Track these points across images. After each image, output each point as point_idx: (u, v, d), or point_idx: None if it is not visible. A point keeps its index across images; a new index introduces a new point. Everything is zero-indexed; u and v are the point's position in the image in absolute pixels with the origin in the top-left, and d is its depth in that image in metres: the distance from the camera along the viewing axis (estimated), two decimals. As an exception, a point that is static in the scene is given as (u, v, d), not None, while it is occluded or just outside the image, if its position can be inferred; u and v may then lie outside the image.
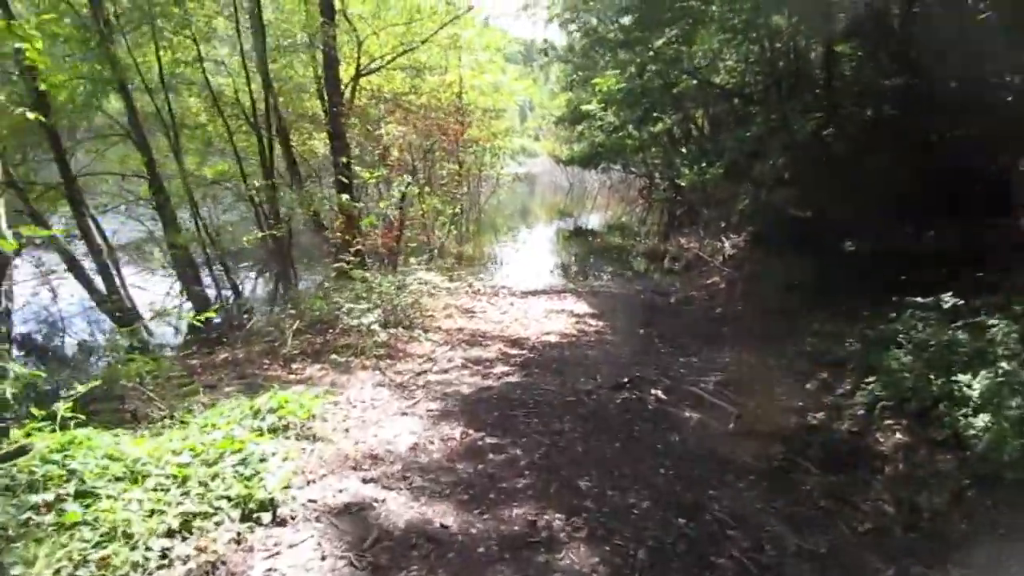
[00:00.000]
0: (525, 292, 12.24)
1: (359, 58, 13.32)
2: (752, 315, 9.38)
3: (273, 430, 4.53)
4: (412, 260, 12.12)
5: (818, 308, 8.04)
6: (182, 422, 4.65)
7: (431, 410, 5.48)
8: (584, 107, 17.90)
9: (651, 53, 11.31)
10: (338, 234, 10.00)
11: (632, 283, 13.70)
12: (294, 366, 6.64)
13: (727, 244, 14.44)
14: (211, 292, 12.04)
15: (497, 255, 19.40)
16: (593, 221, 27.15)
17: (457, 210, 17.27)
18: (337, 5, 12.82)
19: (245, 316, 10.04)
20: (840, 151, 9.66)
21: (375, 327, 7.61)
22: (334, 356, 6.73)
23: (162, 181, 11.06)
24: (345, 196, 9.89)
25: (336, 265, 9.05)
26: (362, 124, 16.08)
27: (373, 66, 13.97)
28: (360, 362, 6.76)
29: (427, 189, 16.18)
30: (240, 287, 12.72)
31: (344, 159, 10.85)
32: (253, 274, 14.86)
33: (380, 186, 12.99)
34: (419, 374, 6.54)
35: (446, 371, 6.69)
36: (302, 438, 4.58)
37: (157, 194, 10.92)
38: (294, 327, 7.41)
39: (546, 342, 8.11)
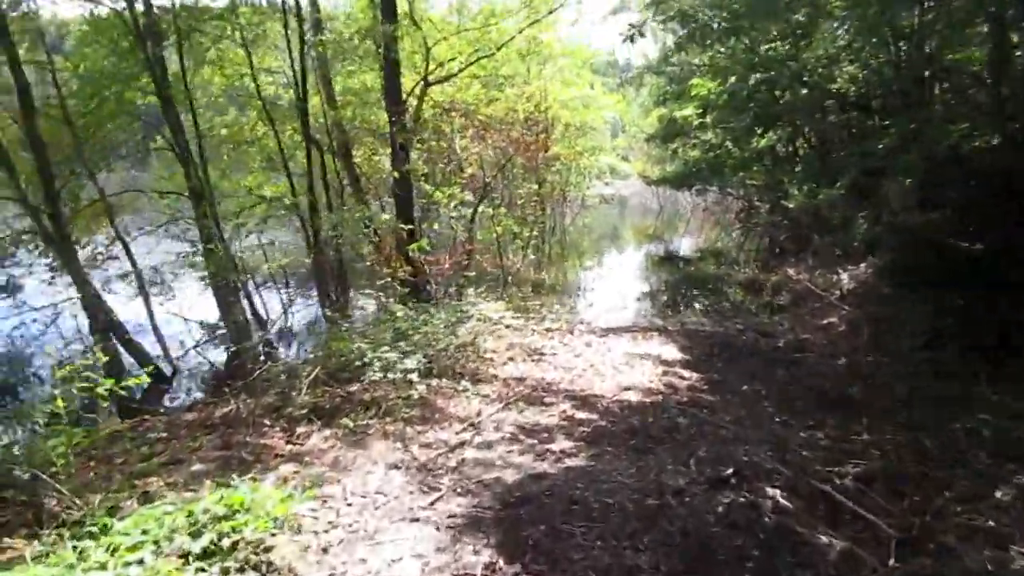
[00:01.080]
0: (606, 329, 10.59)
1: (427, 65, 12.11)
2: (890, 371, 7.42)
3: (208, 554, 3.11)
4: (471, 290, 10.64)
5: (991, 369, 6.09)
6: (89, 534, 3.29)
7: (454, 514, 3.94)
8: (679, 113, 15.94)
9: (764, 49, 9.55)
10: (383, 259, 8.66)
11: (730, 320, 11.79)
12: (299, 430, 5.25)
13: (845, 276, 12.37)
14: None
15: (579, 283, 17.73)
16: (685, 246, 25.14)
17: (535, 233, 15.83)
18: (404, 7, 11.69)
19: (264, 354, 8.86)
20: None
21: (413, 377, 6.19)
22: (346, 420, 5.31)
23: (206, 199, 10.11)
24: (387, 215, 8.59)
25: (374, 293, 7.73)
26: (435, 138, 14.93)
27: (443, 74, 12.73)
28: (381, 427, 5.31)
29: (502, 210, 14.85)
30: (287, 314, 11.63)
31: (397, 172, 9.60)
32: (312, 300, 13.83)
33: (453, 206, 11.71)
34: (453, 448, 5.02)
35: (490, 445, 5.13)
36: (250, 569, 3.14)
37: (201, 214, 9.98)
38: (311, 376, 6.05)
39: (625, 402, 6.44)
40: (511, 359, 8.02)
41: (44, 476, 3.76)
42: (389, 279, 8.09)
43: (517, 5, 13.68)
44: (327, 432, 5.21)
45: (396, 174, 9.92)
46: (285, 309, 11.01)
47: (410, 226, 9.87)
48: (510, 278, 14.75)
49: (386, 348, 6.60)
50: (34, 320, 10.52)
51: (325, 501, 4.00)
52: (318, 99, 12.72)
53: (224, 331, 9.99)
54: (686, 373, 7.71)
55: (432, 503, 4.10)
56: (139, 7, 9.81)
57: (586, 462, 4.82)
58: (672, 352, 8.82)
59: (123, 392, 4.18)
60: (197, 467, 4.46)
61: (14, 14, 10.03)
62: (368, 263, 9.70)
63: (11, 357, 10.19)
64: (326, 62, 12.35)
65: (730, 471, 4.63)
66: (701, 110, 15.12)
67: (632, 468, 4.70)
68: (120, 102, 10.39)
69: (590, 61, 20.40)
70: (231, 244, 10.95)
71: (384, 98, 11.03)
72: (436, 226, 11.31)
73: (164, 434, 5.32)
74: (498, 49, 13.00)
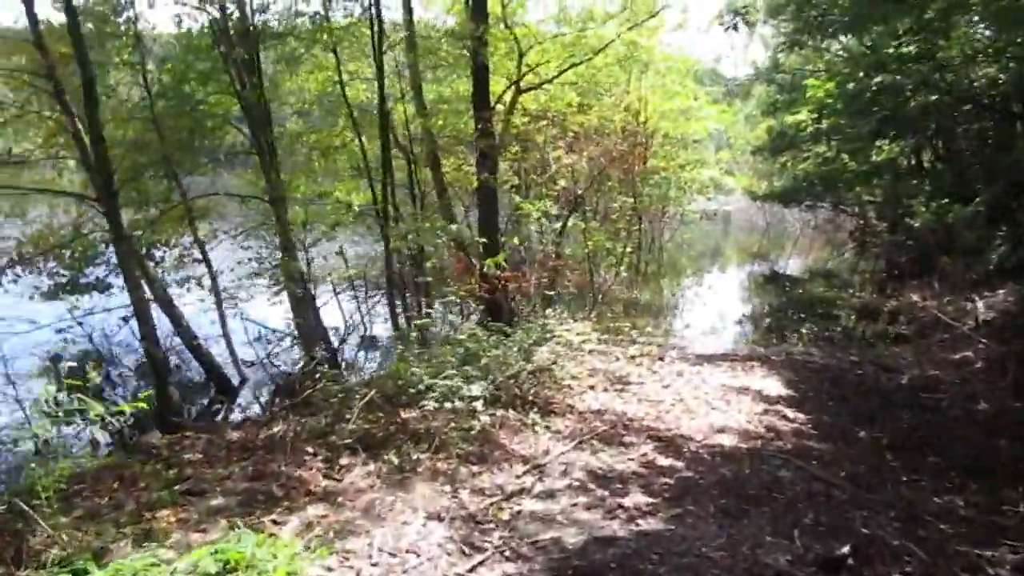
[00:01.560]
0: (700, 357, 9.66)
1: (520, 70, 11.52)
2: (1045, 423, 6.22)
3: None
4: (556, 309, 9.93)
5: None
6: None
7: (494, 591, 3.27)
8: (790, 119, 14.56)
9: (889, 47, 8.42)
10: (458, 274, 8.10)
11: (842, 350, 10.56)
12: (342, 462, 4.69)
13: (980, 304, 10.94)
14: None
15: (675, 303, 16.65)
16: (792, 266, 23.57)
17: (628, 249, 14.96)
18: (497, 11, 11.19)
19: (333, 367, 8.40)
20: None
21: (477, 406, 5.56)
22: (390, 456, 4.70)
23: (284, 205, 9.91)
24: (455, 226, 8.00)
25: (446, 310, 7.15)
26: (526, 148, 14.36)
27: (535, 81, 12.12)
28: (432, 464, 4.68)
29: (594, 224, 14.11)
30: (363, 325, 11.27)
31: (481, 181, 9.04)
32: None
33: (537, 218, 11.04)
34: (509, 496, 4.33)
35: (552, 495, 4.41)
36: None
37: (279, 220, 9.78)
38: (366, 399, 5.51)
39: (716, 447, 5.57)
40: (591, 388, 7.27)
41: (25, 507, 3.34)
42: (464, 295, 7.51)
43: (616, 8, 12.93)
44: (371, 467, 4.63)
45: (482, 178, 9.38)
46: (347, 325, 10.62)
47: (491, 239, 9.27)
48: (600, 296, 13.95)
49: (451, 372, 6.00)
50: (123, 319, 10.49)
51: (346, 558, 3.40)
52: (408, 107, 12.41)
53: (297, 340, 9.73)
54: (791, 413, 6.73)
55: (472, 568, 3.42)
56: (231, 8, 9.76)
57: (665, 525, 4.02)
58: (775, 386, 7.83)
59: (114, 418, 3.71)
60: (218, 501, 3.97)
61: (117, 20, 10.17)
62: (434, 278, 9.17)
63: (96, 357, 10.23)
64: (416, 69, 11.99)
65: (846, 549, 3.73)
66: (816, 115, 13.79)
67: (721, 537, 3.87)
68: (208, 106, 10.40)
69: (693, 70, 19.36)
70: (307, 251, 10.73)
71: (472, 104, 10.49)
72: (517, 240, 10.65)
73: (199, 455, 4.89)
74: (595, 54, 12.25)
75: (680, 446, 5.51)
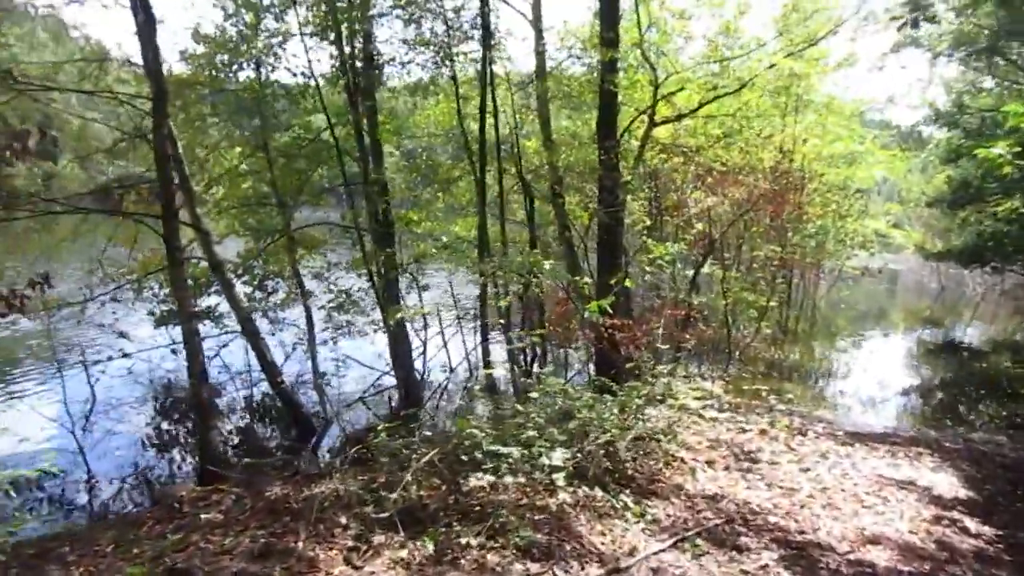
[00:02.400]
0: (852, 435, 8.08)
1: (655, 101, 10.53)
2: None
3: None
4: (681, 366, 8.73)
5: None
6: None
7: None
8: (981, 151, 12.44)
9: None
10: (557, 319, 7.14)
11: (1042, 441, 8.57)
12: (375, 540, 3.81)
13: None
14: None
15: (826, 367, 14.62)
16: (971, 335, 20.60)
17: (773, 303, 13.39)
18: (628, 37, 10.32)
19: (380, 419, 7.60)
20: None
21: (557, 478, 4.54)
22: (426, 539, 3.76)
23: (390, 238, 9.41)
24: (550, 263, 7.04)
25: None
26: (662, 187, 13.30)
27: (673, 113, 11.07)
28: (480, 555, 3.68)
29: (733, 273, 12.74)
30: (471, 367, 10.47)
31: (602, 218, 8.10)
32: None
33: (653, 259, 9.89)
34: (567, 615, 3.28)
35: (625, 619, 3.32)
36: None
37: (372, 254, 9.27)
38: (424, 459, 4.62)
39: (867, 566, 4.19)
40: (709, 464, 6.01)
41: None
42: (565, 342, 6.55)
43: (770, 34, 11.65)
44: (406, 551, 3.70)
45: (599, 219, 8.47)
46: (451, 366, 9.84)
47: (609, 282, 8.24)
48: (737, 354, 12.46)
49: (532, 433, 5.03)
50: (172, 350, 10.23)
51: None
52: (534, 142, 11.76)
53: (393, 382, 9.09)
54: (972, 525, 5.16)
55: None
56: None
57: None
58: (950, 484, 6.21)
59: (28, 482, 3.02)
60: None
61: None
62: (540, 319, 8.22)
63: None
64: (546, 102, 11.34)
65: None
66: (1019, 149, 11.62)
67: None
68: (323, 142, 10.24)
69: (859, 112, 17.48)
70: (419, 287, 10.15)
71: (596, 133, 9.61)
72: (646, 286, 9.55)
73: (219, 516, 4.18)
74: (742, 86, 11.04)
75: (815, 560, 4.18)
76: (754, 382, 10.79)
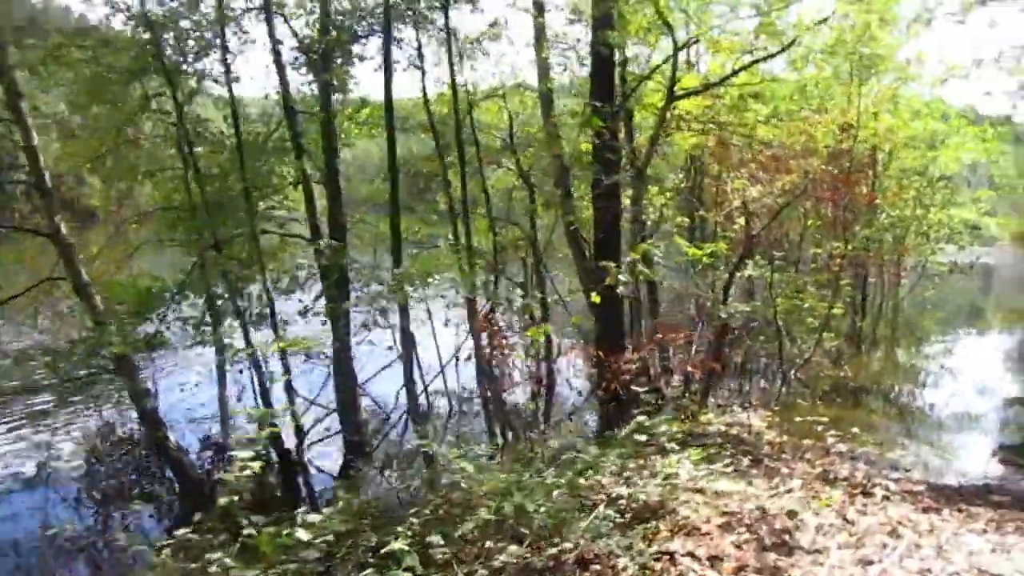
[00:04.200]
0: (937, 488, 5.99)
1: (674, 70, 8.57)
2: None
3: None
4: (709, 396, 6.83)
5: None
6: None
7: None
8: None
9: None
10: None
11: None
12: None
13: None
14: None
15: (910, 381, 11.98)
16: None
17: (838, 310, 11.08)
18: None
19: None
20: None
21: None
22: None
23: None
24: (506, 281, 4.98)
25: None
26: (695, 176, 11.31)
27: (698, 85, 9.08)
28: None
29: (785, 275, 10.64)
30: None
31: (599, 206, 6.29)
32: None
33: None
34: None
35: None
36: None
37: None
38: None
39: None
40: (714, 563, 4.09)
41: None
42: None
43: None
44: None
45: (596, 212, 6.66)
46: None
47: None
48: (794, 373, 10.31)
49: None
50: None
51: None
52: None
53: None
54: None
55: None
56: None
57: None
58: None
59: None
60: None
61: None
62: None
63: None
64: (546, 72, 9.50)
65: None
66: None
67: None
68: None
69: (940, 81, 14.90)
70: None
71: (591, 96, 7.66)
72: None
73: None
74: (786, 47, 8.94)
75: None
76: (811, 411, 8.71)
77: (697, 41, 8.83)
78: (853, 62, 10.81)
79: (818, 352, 10.71)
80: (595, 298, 6.45)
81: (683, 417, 7.86)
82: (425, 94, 8.71)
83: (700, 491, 4.57)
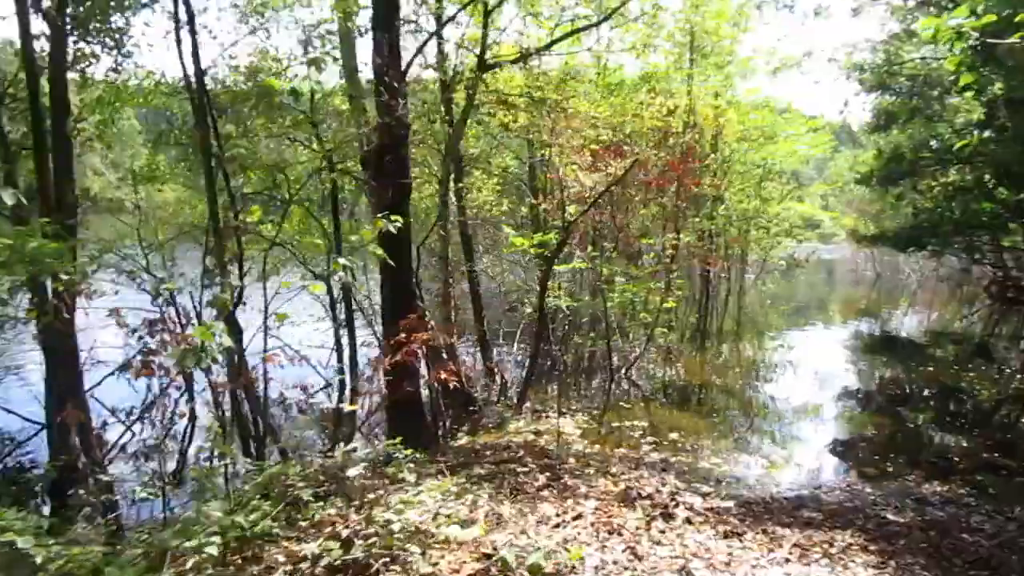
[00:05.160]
0: (745, 505, 5.31)
1: (485, 35, 7.60)
2: None
3: None
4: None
5: None
6: None
7: None
8: (926, 23, 8.69)
9: None
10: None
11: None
12: None
13: None
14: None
15: (743, 382, 11.53)
16: (909, 325, 18.15)
17: (670, 304, 10.54)
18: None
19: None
20: None
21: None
22: None
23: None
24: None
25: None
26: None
27: (509, 53, 8.17)
28: None
29: (609, 267, 9.98)
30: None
31: (378, 196, 5.17)
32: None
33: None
34: None
35: None
36: None
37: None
38: None
39: None
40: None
41: None
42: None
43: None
44: None
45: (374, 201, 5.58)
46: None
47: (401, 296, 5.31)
48: (624, 372, 9.65)
49: None
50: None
51: None
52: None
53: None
54: None
55: None
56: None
57: None
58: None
59: None
60: None
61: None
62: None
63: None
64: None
65: None
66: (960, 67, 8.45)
67: None
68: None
69: (774, 71, 14.90)
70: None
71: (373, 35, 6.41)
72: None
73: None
74: (603, 19, 8.20)
75: None
76: (635, 414, 8.04)
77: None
78: (688, 48, 10.35)
79: (652, 349, 10.13)
80: (377, 249, 5.26)
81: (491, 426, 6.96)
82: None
83: (432, 538, 3.53)
